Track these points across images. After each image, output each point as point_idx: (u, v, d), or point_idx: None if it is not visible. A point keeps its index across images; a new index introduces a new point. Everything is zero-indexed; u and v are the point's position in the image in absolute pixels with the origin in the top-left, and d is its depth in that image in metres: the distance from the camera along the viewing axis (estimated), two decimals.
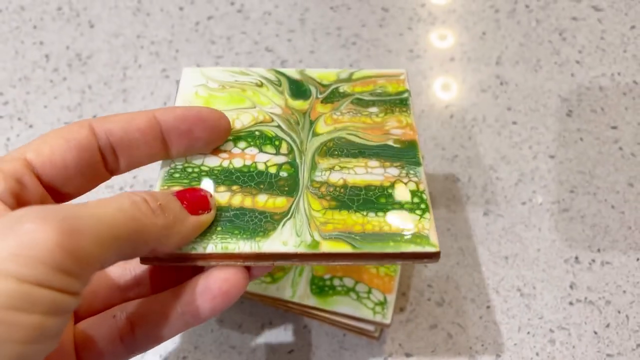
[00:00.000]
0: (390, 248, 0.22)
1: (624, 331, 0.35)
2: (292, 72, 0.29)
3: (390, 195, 0.24)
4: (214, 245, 0.22)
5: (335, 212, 0.23)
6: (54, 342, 0.16)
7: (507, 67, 0.47)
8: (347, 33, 0.49)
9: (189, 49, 0.49)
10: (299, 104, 0.28)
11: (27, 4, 0.52)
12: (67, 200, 0.23)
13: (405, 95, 0.28)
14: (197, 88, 0.28)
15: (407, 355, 0.34)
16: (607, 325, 0.35)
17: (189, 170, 0.25)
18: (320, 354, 0.35)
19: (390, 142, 0.26)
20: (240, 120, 0.27)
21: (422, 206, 0.24)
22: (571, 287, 0.37)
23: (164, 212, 0.20)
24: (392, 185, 0.24)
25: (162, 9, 0.51)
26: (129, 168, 0.24)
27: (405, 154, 0.26)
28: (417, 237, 0.23)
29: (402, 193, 0.24)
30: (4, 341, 0.15)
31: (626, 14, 0.50)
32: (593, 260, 0.37)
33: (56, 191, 0.22)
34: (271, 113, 0.27)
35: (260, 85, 0.29)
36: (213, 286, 0.22)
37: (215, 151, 0.25)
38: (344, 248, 0.22)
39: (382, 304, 0.33)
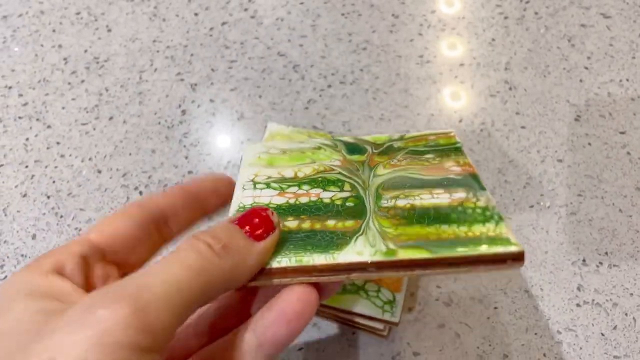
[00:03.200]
0: (471, 250, 0.21)
1: (631, 333, 0.35)
2: (347, 138, 0.30)
3: (462, 212, 0.23)
4: (288, 260, 0.21)
5: (407, 227, 0.23)
6: None
7: (515, 72, 0.47)
8: (357, 39, 0.50)
9: (204, 54, 0.50)
10: (356, 157, 0.28)
11: (47, 8, 0.54)
12: (131, 271, 0.22)
13: (458, 145, 0.28)
14: (259, 154, 0.29)
15: (415, 354, 0.35)
16: (614, 327, 0.35)
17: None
18: (329, 351, 0.35)
19: (452, 175, 0.26)
20: (302, 172, 0.27)
21: (496, 217, 0.23)
22: (578, 289, 0.37)
23: (229, 253, 0.20)
24: (462, 204, 0.23)
25: (177, 14, 0.52)
26: (179, 231, 0.25)
27: (468, 182, 0.25)
28: (497, 239, 0.21)
29: (472, 210, 0.23)
30: None
31: (635, 21, 0.50)
32: (600, 263, 0.38)
33: (120, 264, 0.23)
34: (331, 165, 0.28)
35: (318, 148, 0.29)
36: (287, 309, 0.21)
37: (281, 193, 0.25)
38: (421, 254, 0.21)
39: (391, 302, 0.33)
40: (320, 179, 0.26)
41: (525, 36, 0.50)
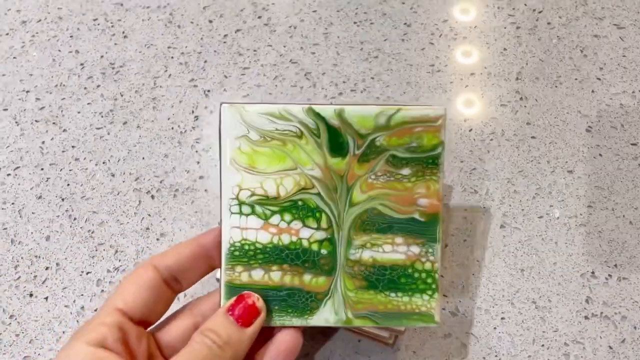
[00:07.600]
0: (404, 324, 0.30)
1: None
2: (331, 114, 0.29)
3: (410, 276, 0.30)
4: (274, 322, 0.30)
5: (365, 292, 0.30)
6: None
7: (527, 82, 0.47)
8: (369, 47, 0.51)
9: (217, 60, 0.50)
10: (337, 163, 0.30)
11: (65, 14, 0.55)
12: (151, 324, 0.29)
13: (439, 150, 0.30)
14: (239, 141, 0.29)
15: None
16: (623, 341, 0.35)
17: (246, 248, 0.30)
18: (335, 358, 0.35)
19: (417, 215, 0.30)
20: (284, 187, 0.30)
21: (433, 286, 0.30)
22: (587, 301, 0.37)
23: (230, 346, 0.27)
24: (412, 265, 0.30)
25: (192, 21, 0.53)
26: (188, 285, 0.30)
27: (427, 229, 0.30)
28: (425, 315, 0.30)
29: (419, 274, 0.30)
30: None
31: None
32: (610, 276, 0.38)
33: (145, 322, 0.28)
34: (312, 176, 0.30)
35: (300, 136, 0.30)
36: (281, 347, 0.29)
37: (265, 226, 0.30)
38: (369, 324, 0.30)
39: None
40: (300, 203, 0.30)
41: (537, 46, 0.50)
